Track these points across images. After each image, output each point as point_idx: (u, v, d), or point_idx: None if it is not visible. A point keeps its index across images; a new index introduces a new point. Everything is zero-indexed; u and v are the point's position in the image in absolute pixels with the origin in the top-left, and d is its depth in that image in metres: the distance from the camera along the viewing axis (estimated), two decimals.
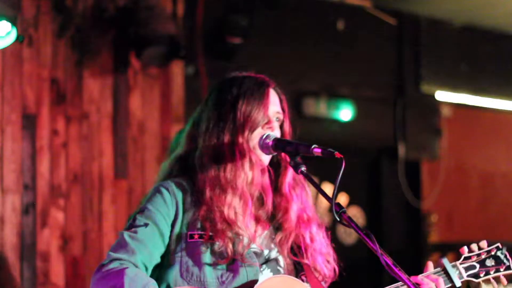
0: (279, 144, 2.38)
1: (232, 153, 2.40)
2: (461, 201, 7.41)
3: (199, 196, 2.39)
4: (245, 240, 2.35)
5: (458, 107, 7.23)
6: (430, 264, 2.50)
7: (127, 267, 2.26)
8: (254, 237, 2.38)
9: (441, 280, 2.43)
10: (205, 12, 5.31)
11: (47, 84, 4.50)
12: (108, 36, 4.75)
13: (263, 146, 2.41)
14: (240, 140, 2.40)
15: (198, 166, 2.42)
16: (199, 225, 2.37)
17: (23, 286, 4.28)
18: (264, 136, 2.41)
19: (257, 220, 2.42)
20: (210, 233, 2.34)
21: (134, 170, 4.82)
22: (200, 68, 5.26)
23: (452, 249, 6.92)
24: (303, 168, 2.30)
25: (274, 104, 2.50)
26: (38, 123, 4.43)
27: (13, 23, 3.76)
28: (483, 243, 2.59)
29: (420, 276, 2.44)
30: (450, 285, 2.47)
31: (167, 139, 4.89)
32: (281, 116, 2.52)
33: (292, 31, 6.01)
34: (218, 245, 2.34)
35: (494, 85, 7.30)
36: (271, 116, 2.48)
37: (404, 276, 2.05)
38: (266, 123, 2.45)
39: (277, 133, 2.47)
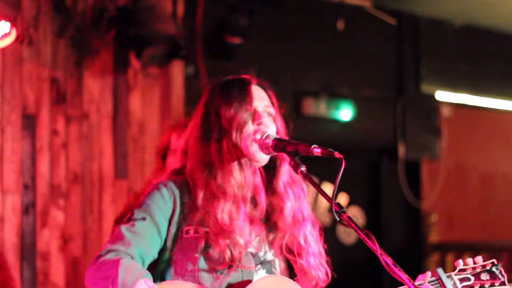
0: (279, 144, 2.35)
1: (219, 159, 2.38)
2: (461, 201, 7.42)
3: (195, 201, 2.39)
4: (241, 244, 2.34)
5: (458, 107, 7.23)
6: (427, 274, 2.45)
7: (122, 258, 2.26)
8: (249, 240, 2.37)
9: None
10: (205, 12, 5.30)
11: (47, 84, 4.50)
12: (108, 36, 4.75)
13: (263, 146, 2.37)
14: (226, 145, 2.38)
15: (191, 180, 2.41)
16: (195, 222, 2.36)
17: (23, 286, 4.28)
18: (264, 136, 2.37)
19: (252, 222, 2.41)
20: (206, 230, 2.34)
21: (134, 170, 4.82)
22: (200, 68, 5.25)
23: (452, 249, 6.93)
24: (303, 168, 2.27)
25: (260, 98, 2.45)
26: (38, 123, 4.43)
27: (13, 23, 3.76)
28: (478, 258, 2.54)
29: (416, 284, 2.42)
30: None
31: None
32: (271, 110, 2.46)
33: (292, 31, 6.01)
34: (214, 251, 2.32)
35: (494, 85, 7.30)
36: (260, 110, 2.43)
37: (404, 276, 2.05)
38: (255, 119, 2.41)
39: (271, 128, 2.43)
